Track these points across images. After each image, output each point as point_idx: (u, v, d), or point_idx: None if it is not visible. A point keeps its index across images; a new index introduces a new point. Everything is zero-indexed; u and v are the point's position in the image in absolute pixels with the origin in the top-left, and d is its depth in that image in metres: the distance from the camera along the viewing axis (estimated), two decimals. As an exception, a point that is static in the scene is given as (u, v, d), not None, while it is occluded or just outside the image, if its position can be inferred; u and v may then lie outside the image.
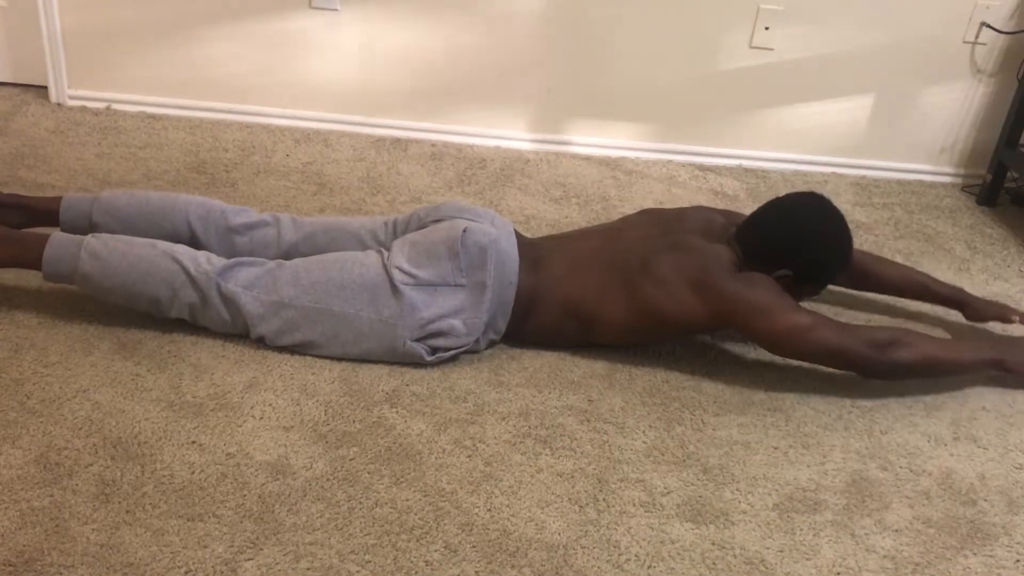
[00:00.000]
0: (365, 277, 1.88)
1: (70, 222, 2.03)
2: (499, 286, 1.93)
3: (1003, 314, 2.20)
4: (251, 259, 1.94)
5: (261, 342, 1.92)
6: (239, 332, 1.93)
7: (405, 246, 1.93)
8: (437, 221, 2.01)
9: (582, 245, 2.07)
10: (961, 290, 2.29)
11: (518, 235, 2.05)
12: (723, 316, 1.93)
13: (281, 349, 1.92)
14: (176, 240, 1.97)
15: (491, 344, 2.01)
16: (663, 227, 2.08)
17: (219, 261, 1.90)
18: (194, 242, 2.01)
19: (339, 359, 1.92)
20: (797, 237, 2.00)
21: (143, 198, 2.04)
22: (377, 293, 1.87)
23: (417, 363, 1.92)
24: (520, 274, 1.96)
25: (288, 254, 2.03)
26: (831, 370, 2.04)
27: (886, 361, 1.92)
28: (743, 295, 1.92)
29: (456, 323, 1.90)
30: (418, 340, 1.89)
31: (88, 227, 2.01)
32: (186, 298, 1.88)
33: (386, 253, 1.93)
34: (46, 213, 2.05)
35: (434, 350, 1.91)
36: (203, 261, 1.89)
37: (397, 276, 1.87)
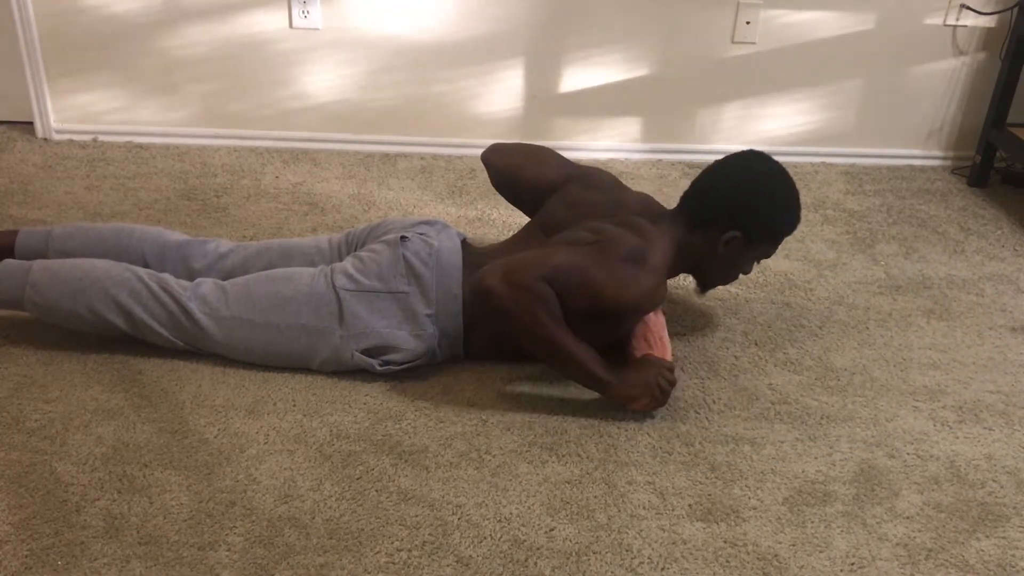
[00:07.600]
0: (312, 288, 1.90)
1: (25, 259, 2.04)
2: (443, 295, 1.92)
3: None
4: (204, 279, 1.96)
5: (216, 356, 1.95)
6: (182, 345, 1.93)
7: (350, 258, 1.97)
8: (385, 234, 2.02)
9: (524, 247, 2.00)
10: None
11: (468, 245, 2.05)
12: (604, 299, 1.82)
13: (247, 365, 1.94)
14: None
15: (452, 357, 1.99)
16: (599, 217, 1.99)
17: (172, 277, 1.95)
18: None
19: (303, 372, 1.93)
20: (741, 195, 1.91)
21: (95, 238, 2.05)
22: (321, 303, 1.89)
23: (403, 376, 1.93)
24: (464, 283, 1.95)
25: (244, 269, 2.05)
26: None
27: (511, 296, 1.73)
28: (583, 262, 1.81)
29: (402, 334, 1.90)
30: (367, 352, 1.89)
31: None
32: (137, 299, 1.89)
33: (332, 266, 1.95)
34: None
35: (385, 362, 1.91)
36: (156, 274, 1.94)
37: (339, 281, 1.90)
